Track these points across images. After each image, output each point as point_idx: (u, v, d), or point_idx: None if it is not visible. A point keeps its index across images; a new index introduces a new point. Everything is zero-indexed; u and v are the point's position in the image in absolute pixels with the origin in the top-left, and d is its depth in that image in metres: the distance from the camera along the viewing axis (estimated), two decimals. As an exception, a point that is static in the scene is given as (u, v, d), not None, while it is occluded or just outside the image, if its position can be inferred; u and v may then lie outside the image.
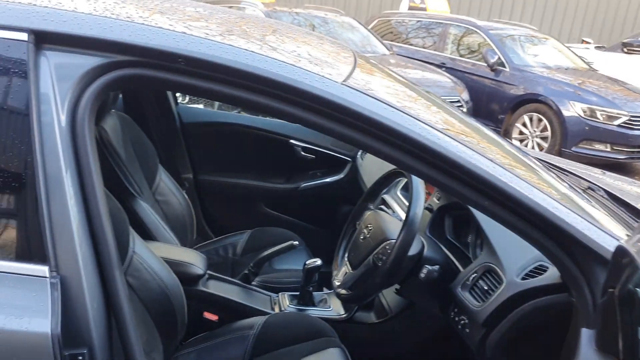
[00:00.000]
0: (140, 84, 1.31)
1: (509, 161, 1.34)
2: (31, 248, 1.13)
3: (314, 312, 2.19)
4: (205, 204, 3.13)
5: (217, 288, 2.13)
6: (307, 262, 2.16)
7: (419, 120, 1.25)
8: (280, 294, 2.28)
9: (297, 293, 2.25)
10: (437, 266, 1.74)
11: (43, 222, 1.12)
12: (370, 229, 1.90)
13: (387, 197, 2.26)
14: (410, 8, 10.70)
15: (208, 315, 2.08)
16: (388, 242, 1.79)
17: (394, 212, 2.18)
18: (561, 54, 8.80)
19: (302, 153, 3.07)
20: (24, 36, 1.17)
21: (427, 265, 1.74)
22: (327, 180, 3.10)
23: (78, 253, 1.14)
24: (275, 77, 1.22)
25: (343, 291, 1.95)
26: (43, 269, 1.12)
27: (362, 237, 1.94)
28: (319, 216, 3.11)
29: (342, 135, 1.26)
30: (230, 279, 2.22)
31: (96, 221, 1.18)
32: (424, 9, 10.59)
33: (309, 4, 10.25)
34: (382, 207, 2.24)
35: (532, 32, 9.17)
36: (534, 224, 1.22)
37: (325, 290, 2.41)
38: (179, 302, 1.72)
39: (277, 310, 2.19)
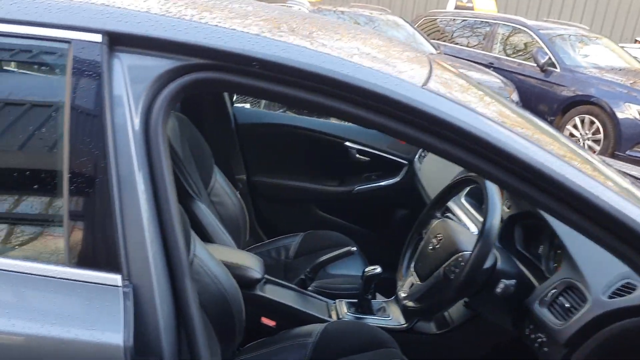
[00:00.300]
0: (213, 88, 1.27)
1: (596, 172, 1.26)
2: (103, 255, 1.10)
3: (372, 321, 2.13)
4: (257, 206, 3.10)
5: (274, 293, 2.09)
6: (366, 270, 2.10)
7: (504, 127, 1.18)
8: (337, 300, 2.22)
9: (355, 300, 2.19)
10: (514, 280, 1.66)
11: (116, 228, 1.09)
12: (440, 239, 1.83)
13: (451, 205, 2.19)
14: (457, 7, 10.55)
15: (265, 320, 2.04)
16: (461, 254, 1.72)
17: (459, 220, 2.10)
18: (614, 54, 8.53)
19: (357, 155, 3.01)
20: (98, 37, 1.14)
21: (503, 280, 1.65)
22: (382, 183, 3.04)
23: (150, 260, 1.11)
24: (353, 81, 1.17)
25: (410, 303, 1.89)
26: (115, 278, 1.09)
27: (430, 247, 1.86)
28: (373, 220, 3.05)
29: (420, 141, 1.20)
30: (286, 283, 2.18)
31: (168, 227, 1.15)
32: (471, 8, 10.43)
33: (355, 2, 10.19)
34: (448, 215, 2.16)
35: (583, 32, 8.92)
36: (625, 240, 1.14)
37: (380, 298, 2.34)
38: (237, 307, 1.69)
39: (334, 317, 2.14)
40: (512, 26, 8.66)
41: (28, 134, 1.15)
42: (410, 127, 1.19)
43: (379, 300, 2.28)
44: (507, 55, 8.51)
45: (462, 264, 1.68)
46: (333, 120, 3.51)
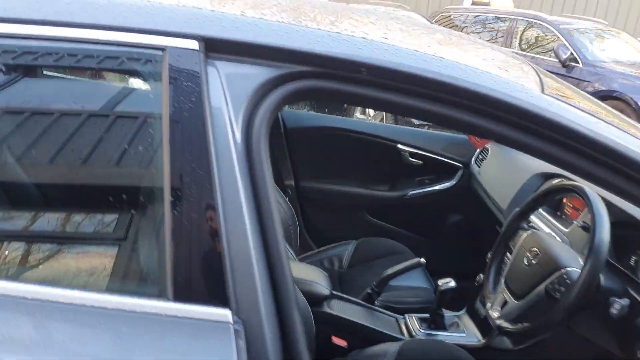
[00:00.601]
0: (316, 97, 1.16)
1: None
2: (211, 287, 0.99)
3: (447, 337, 2.01)
4: (306, 212, 2.98)
5: (342, 309, 1.97)
6: (439, 283, 1.98)
7: (629, 134, 1.08)
8: (406, 315, 2.10)
9: (426, 315, 2.07)
10: (627, 299, 1.53)
11: (223, 256, 0.98)
12: (537, 254, 1.70)
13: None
14: (474, 3, 10.41)
15: (336, 340, 1.92)
16: (564, 270, 1.59)
17: (540, 230, 1.98)
18: (633, 48, 8.41)
19: (410, 158, 2.88)
20: (194, 44, 1.03)
21: (616, 299, 1.52)
22: (437, 187, 2.91)
23: (258, 292, 1.00)
24: (473, 87, 1.07)
25: (506, 324, 1.76)
26: (225, 313, 0.97)
27: (525, 263, 1.73)
28: (426, 226, 2.92)
29: (539, 151, 1.10)
30: (353, 299, 2.06)
31: (274, 253, 1.04)
32: (487, 4, 10.29)
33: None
34: (532, 225, 2.03)
35: (602, 26, 8.78)
36: None
37: (446, 312, 2.20)
38: (309, 326, 1.59)
39: (405, 334, 2.02)
40: (532, 22, 8.52)
41: (121, 151, 1.04)
42: (530, 135, 1.09)
43: (450, 314, 2.15)
44: (527, 50, 8.37)
45: (568, 282, 1.56)
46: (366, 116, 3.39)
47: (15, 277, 1.02)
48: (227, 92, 1.03)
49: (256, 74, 1.05)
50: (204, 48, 1.03)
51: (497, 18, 9.02)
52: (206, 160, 0.98)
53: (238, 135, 1.02)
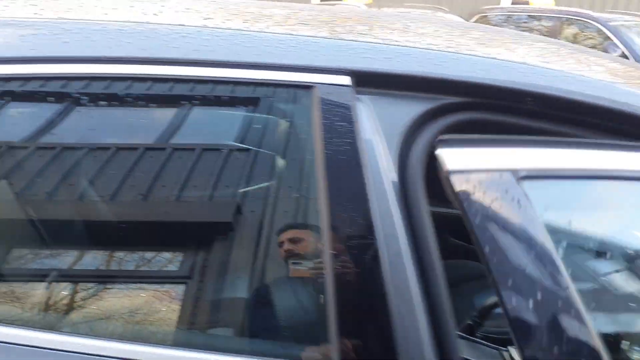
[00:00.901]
0: (475, 130, 1.05)
1: None
2: (380, 353, 0.88)
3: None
4: None
5: None
6: None
7: None
8: (509, 347, 1.96)
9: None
10: None
11: (391, 317, 0.87)
12: None
13: None
14: (514, 2, 10.20)
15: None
16: None
17: None
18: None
19: None
20: (346, 80, 0.92)
21: None
22: None
23: (426, 355, 0.88)
24: None
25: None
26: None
27: None
28: None
29: None
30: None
31: (439, 312, 0.92)
32: (527, 3, 10.07)
33: (408, 2, 9.95)
34: None
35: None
36: None
37: None
38: None
39: (513, 368, 1.89)
40: (576, 19, 8.28)
41: (272, 197, 0.94)
42: None
43: None
44: (572, 49, 8.14)
45: None
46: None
47: (134, 339, 0.92)
48: (379, 129, 0.93)
49: (410, 107, 0.95)
50: (354, 82, 0.93)
51: (535, 17, 8.78)
52: (365, 207, 0.88)
53: (393, 176, 0.91)
